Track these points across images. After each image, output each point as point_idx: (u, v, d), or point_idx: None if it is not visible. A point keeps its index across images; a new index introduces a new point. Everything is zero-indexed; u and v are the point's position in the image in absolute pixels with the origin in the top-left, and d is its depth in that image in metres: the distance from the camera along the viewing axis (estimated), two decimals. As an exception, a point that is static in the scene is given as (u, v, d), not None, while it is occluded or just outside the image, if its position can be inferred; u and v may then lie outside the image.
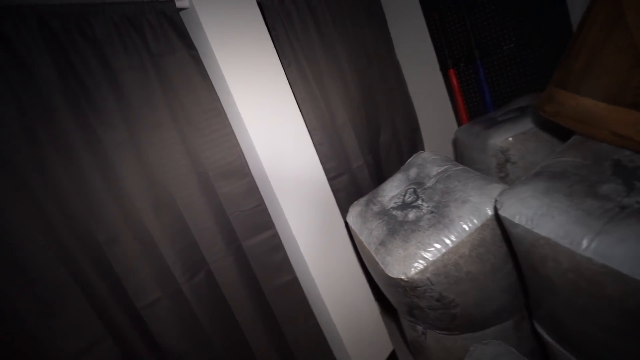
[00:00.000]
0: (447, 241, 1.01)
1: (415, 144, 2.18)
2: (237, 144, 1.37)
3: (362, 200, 1.39)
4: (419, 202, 1.16)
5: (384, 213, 1.23)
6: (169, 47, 1.26)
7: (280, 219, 1.42)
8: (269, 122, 1.40)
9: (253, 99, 1.36)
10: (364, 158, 1.77)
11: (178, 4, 1.28)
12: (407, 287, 1.05)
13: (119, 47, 1.15)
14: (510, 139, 1.29)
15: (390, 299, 1.32)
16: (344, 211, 1.57)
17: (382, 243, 1.13)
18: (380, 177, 1.92)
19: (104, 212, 1.07)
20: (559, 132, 0.99)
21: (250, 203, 1.38)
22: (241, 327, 1.33)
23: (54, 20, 1.04)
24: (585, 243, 0.72)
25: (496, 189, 1.02)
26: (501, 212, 0.88)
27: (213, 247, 1.28)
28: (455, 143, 1.63)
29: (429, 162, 1.28)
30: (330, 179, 1.59)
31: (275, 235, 1.41)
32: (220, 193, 1.32)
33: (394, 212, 1.20)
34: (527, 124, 1.28)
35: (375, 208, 1.28)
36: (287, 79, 1.51)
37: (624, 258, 0.65)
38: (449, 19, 1.84)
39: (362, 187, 1.74)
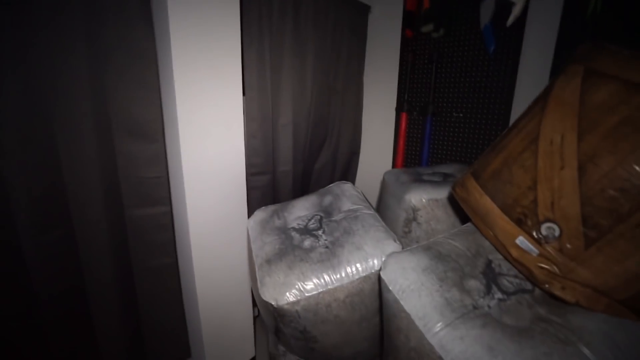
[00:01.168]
0: (328, 281, 1.01)
1: (350, 166, 2.21)
2: (158, 104, 1.21)
3: (270, 208, 1.34)
4: (320, 232, 1.15)
5: (283, 231, 1.19)
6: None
7: (179, 196, 1.30)
8: (203, 94, 1.26)
9: (195, 64, 1.22)
10: (293, 165, 1.72)
11: None
12: (275, 313, 1.02)
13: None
14: (424, 200, 1.35)
15: (261, 312, 1.29)
16: (252, 210, 1.50)
17: (269, 261, 1.09)
18: (303, 188, 1.90)
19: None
20: (463, 213, 1.06)
21: (152, 172, 1.24)
22: (90, 302, 1.17)
23: None
24: (435, 330, 0.76)
25: (390, 247, 1.05)
26: (382, 274, 0.90)
27: (85, 205, 1.11)
28: (382, 183, 1.67)
29: (345, 196, 1.27)
30: (250, 174, 1.51)
31: (167, 214, 1.29)
32: (119, 150, 1.16)
33: (293, 234, 1.17)
34: (442, 193, 1.35)
35: (278, 222, 1.24)
36: (242, 58, 1.39)
37: (457, 356, 0.70)
38: (419, 67, 1.89)
39: (279, 193, 1.70)
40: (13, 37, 0.91)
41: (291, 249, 1.09)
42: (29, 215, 0.98)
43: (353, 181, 2.26)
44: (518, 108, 1.60)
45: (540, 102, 0.87)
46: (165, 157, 1.27)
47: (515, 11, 1.53)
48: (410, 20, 1.85)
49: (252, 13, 1.40)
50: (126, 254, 1.24)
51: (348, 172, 2.20)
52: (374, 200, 1.88)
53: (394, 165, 2.06)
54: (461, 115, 1.79)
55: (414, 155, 2.00)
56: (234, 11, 1.33)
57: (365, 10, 2.00)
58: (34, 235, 0.99)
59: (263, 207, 1.37)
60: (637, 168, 0.65)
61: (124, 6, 1.09)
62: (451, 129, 1.84)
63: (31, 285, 1.02)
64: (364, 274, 1.03)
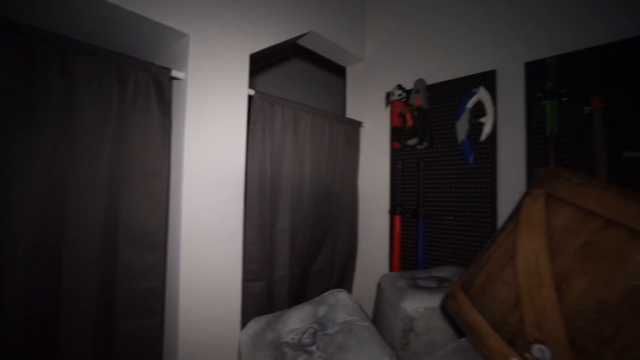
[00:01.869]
0: (321, 408, 0.94)
1: (347, 267, 2.20)
2: (164, 216, 1.31)
3: (264, 319, 1.32)
4: (313, 347, 1.11)
5: (276, 346, 1.15)
6: (144, 106, 1.29)
7: (172, 306, 1.29)
8: (208, 205, 1.38)
9: (201, 183, 1.36)
10: (289, 269, 1.73)
11: (174, 73, 1.36)
12: None
13: (92, 89, 1.17)
14: (421, 309, 1.33)
15: None
16: (245, 316, 1.46)
17: (259, 383, 1.02)
18: (300, 290, 1.87)
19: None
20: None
21: (150, 282, 1.26)
22: None
23: (39, 44, 1.05)
24: None
25: (386, 365, 1.00)
26: (376, 400, 0.85)
27: (77, 322, 1.10)
28: (378, 287, 1.65)
29: (340, 306, 1.26)
30: (246, 280, 1.52)
31: (158, 326, 1.26)
32: (121, 260, 1.21)
33: (286, 350, 1.13)
34: (438, 301, 1.33)
35: (271, 336, 1.20)
36: (245, 171, 1.55)
37: None
38: (408, 174, 2.06)
39: (275, 298, 1.67)
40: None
41: (282, 369, 1.04)
42: (17, 333, 0.98)
43: (351, 281, 2.23)
44: (502, 209, 1.69)
45: (513, 219, 0.95)
46: (165, 268, 1.31)
47: (486, 129, 1.76)
48: (397, 134, 2.10)
49: (257, 131, 1.62)
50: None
51: (346, 273, 2.18)
52: (372, 303, 1.82)
53: (390, 267, 2.06)
54: (451, 218, 1.87)
55: (410, 256, 2.02)
56: (241, 134, 1.54)
57: (358, 124, 2.29)
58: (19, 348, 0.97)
59: (257, 318, 1.34)
60: (607, 291, 0.68)
61: (148, 132, 1.28)
62: (443, 231, 1.90)
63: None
64: (359, 399, 0.96)
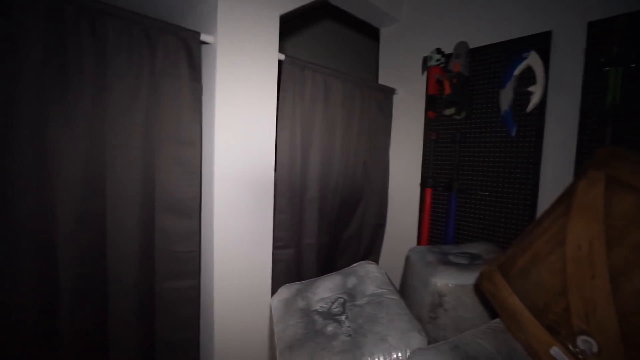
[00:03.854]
0: (350, 376, 0.97)
1: (375, 238, 2.20)
2: (198, 184, 1.33)
3: (295, 286, 1.35)
4: (343, 317, 1.14)
5: (307, 313, 1.19)
6: (174, 72, 1.26)
7: (207, 270, 1.35)
8: (239, 174, 1.38)
9: (232, 151, 1.36)
10: (318, 238, 1.75)
11: (203, 37, 1.31)
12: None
13: (123, 54, 1.15)
14: (450, 285, 1.31)
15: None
16: (275, 282, 1.51)
17: (290, 347, 1.07)
18: (328, 259, 1.90)
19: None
20: (491, 304, 1.02)
21: (186, 246, 1.31)
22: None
23: (68, 6, 1.02)
24: None
25: (415, 339, 1.01)
26: (406, 374, 0.86)
27: (123, 279, 1.18)
28: (407, 260, 1.65)
29: (369, 278, 1.27)
30: (275, 247, 1.55)
31: (195, 288, 1.33)
32: (158, 226, 1.25)
33: (316, 317, 1.16)
34: (469, 278, 1.31)
35: (302, 303, 1.24)
36: (275, 141, 1.53)
37: None
38: (443, 145, 1.96)
39: (304, 266, 1.71)
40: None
41: (313, 335, 1.08)
42: (71, 292, 1.06)
43: (378, 252, 2.24)
44: (545, 190, 1.59)
45: (564, 203, 0.88)
46: (200, 233, 1.35)
47: (534, 99, 1.61)
48: (432, 103, 1.98)
49: (287, 99, 1.57)
50: (150, 329, 1.27)
51: (374, 244, 2.19)
52: (398, 274, 1.83)
53: (419, 240, 2.04)
54: (487, 194, 1.79)
55: (439, 231, 1.98)
56: (272, 101, 1.50)
57: (391, 92, 2.17)
58: (72, 307, 1.06)
59: (287, 285, 1.38)
60: (673, 288, 0.63)
61: (179, 100, 1.27)
62: (477, 206, 1.83)
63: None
64: (387, 370, 0.98)
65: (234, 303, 1.37)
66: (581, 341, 0.72)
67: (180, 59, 1.26)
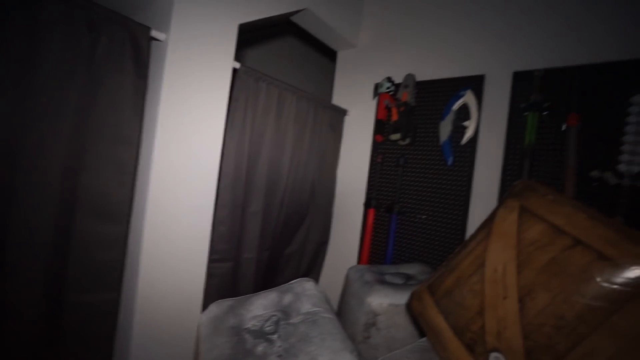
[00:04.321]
0: (277, 397, 0.93)
1: (317, 256, 2.20)
2: (131, 186, 1.23)
3: (227, 303, 1.29)
4: (275, 336, 1.10)
5: (237, 332, 1.13)
6: (117, 65, 1.18)
7: (131, 282, 1.23)
8: (178, 179, 1.30)
9: (173, 155, 1.28)
10: (258, 252, 1.70)
11: (154, 33, 1.25)
12: None
13: (59, 37, 1.04)
14: (385, 305, 1.35)
15: None
16: (207, 298, 1.42)
17: (215, 368, 1.00)
18: (267, 275, 1.85)
19: None
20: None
21: (108, 255, 1.18)
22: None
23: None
24: None
25: (346, 359, 1.01)
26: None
27: (24, 287, 1.02)
28: (346, 279, 1.66)
29: (306, 296, 1.25)
30: (211, 261, 1.47)
31: (113, 301, 1.19)
32: (77, 230, 1.12)
33: (247, 336, 1.11)
34: (403, 299, 1.36)
35: (233, 321, 1.18)
36: (222, 148, 1.48)
37: None
38: (387, 168, 2.06)
39: (241, 282, 1.64)
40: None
41: (242, 356, 1.02)
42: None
43: (319, 270, 2.23)
44: (473, 215, 1.73)
45: (486, 228, 0.96)
46: (126, 239, 1.23)
47: (469, 133, 1.77)
48: (380, 127, 2.08)
49: (238, 108, 1.53)
50: (55, 346, 1.10)
51: (316, 261, 2.18)
52: (337, 293, 1.84)
53: (359, 259, 2.08)
54: (424, 217, 1.90)
55: (380, 250, 2.05)
56: (221, 109, 1.46)
57: (343, 112, 2.24)
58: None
59: (219, 301, 1.30)
60: (566, 308, 0.70)
61: (119, 95, 1.18)
62: (414, 228, 1.93)
63: None
64: (315, 391, 0.96)
65: (158, 319, 1.25)
66: (493, 358, 0.78)
67: (125, 52, 1.18)
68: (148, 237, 1.21)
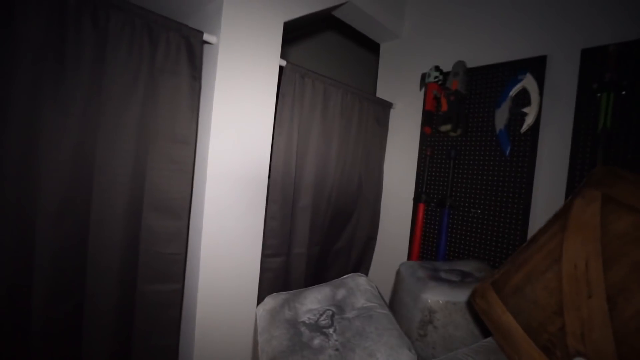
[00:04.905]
0: (335, 391, 0.93)
1: (366, 251, 2.17)
2: (190, 184, 1.29)
3: (281, 296, 1.31)
4: (331, 330, 1.10)
5: (293, 324, 1.14)
6: (174, 68, 1.24)
7: (193, 274, 1.30)
8: (232, 176, 1.35)
9: (227, 153, 1.33)
10: (308, 247, 1.71)
11: (206, 37, 1.30)
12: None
13: (124, 47, 1.13)
14: (441, 302, 1.29)
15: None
16: (262, 291, 1.46)
17: (274, 359, 1.02)
18: (317, 270, 1.86)
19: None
20: (483, 322, 1.00)
21: (171, 248, 1.26)
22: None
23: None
24: None
25: (404, 356, 0.98)
26: (395, 391, 0.83)
27: (102, 277, 1.12)
28: (397, 275, 1.62)
29: (359, 291, 1.24)
30: (264, 255, 1.51)
31: (178, 291, 1.27)
32: (145, 224, 1.21)
33: (303, 329, 1.12)
34: (460, 296, 1.29)
35: (289, 314, 1.20)
36: (271, 146, 1.51)
37: None
38: (437, 161, 1.97)
39: (292, 276, 1.66)
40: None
41: (299, 348, 1.03)
42: (47, 283, 1.00)
43: (369, 265, 2.21)
44: (537, 209, 1.60)
45: (560, 220, 0.87)
46: (186, 233, 1.31)
47: (529, 120, 1.63)
48: (429, 119, 1.99)
49: (286, 104, 1.56)
50: (128, 335, 1.20)
51: (364, 256, 2.16)
52: (387, 289, 1.80)
53: (409, 255, 2.01)
54: (479, 211, 1.79)
55: (431, 246, 1.97)
56: (270, 104, 1.49)
57: (388, 105, 2.19)
58: (45, 304, 0.99)
59: (274, 294, 1.33)
60: (671, 310, 0.61)
61: (177, 97, 1.24)
62: (469, 224, 1.83)
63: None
64: (375, 387, 0.94)
65: (217, 310, 1.31)
66: (577, 362, 0.70)
67: (181, 56, 1.25)
68: (207, 231, 1.27)
